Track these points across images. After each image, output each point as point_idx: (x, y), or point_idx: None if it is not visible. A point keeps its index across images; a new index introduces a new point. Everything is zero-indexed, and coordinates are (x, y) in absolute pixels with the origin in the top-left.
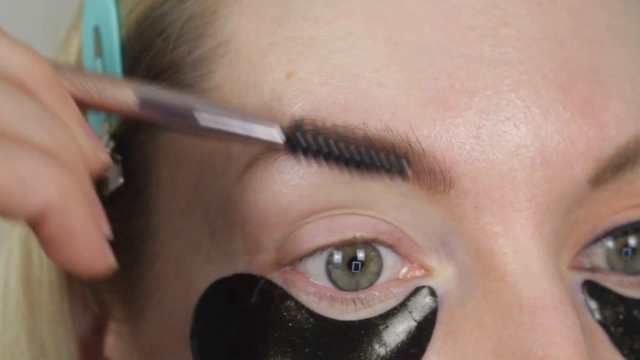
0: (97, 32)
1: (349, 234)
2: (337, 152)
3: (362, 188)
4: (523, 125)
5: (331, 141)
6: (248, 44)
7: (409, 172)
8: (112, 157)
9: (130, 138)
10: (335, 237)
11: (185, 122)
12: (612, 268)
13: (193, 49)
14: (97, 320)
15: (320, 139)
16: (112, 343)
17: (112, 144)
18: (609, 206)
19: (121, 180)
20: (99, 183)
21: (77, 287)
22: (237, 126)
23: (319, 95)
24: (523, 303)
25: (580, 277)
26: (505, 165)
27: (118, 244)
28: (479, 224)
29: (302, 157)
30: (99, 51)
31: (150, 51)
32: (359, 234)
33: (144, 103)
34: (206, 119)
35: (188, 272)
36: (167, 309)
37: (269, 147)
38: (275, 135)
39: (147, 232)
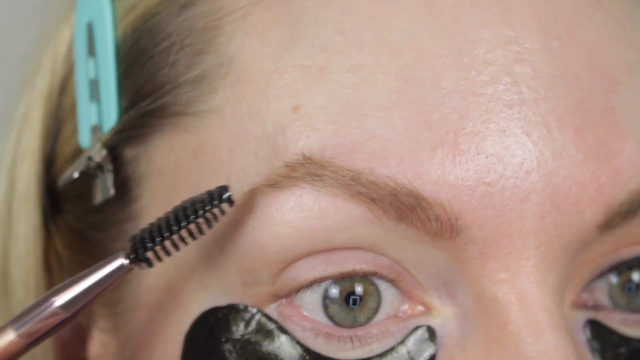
0: (90, 29)
1: (348, 266)
2: (174, 235)
3: (364, 233)
4: (535, 171)
5: (164, 232)
6: (252, 67)
7: (232, 195)
8: (102, 166)
9: (122, 149)
10: (334, 269)
11: (60, 318)
12: (615, 304)
13: (193, 65)
14: (80, 328)
15: (156, 238)
16: (96, 352)
17: (103, 152)
18: (614, 246)
19: (112, 191)
20: (87, 192)
21: None
22: (92, 281)
23: (325, 134)
24: (527, 355)
25: (583, 316)
26: (514, 212)
27: (104, 255)
28: (485, 269)
29: (155, 262)
30: (91, 50)
31: (148, 61)
32: (359, 267)
33: (23, 336)
34: (66, 301)
35: (181, 295)
36: (158, 328)
37: (124, 274)
38: (121, 262)
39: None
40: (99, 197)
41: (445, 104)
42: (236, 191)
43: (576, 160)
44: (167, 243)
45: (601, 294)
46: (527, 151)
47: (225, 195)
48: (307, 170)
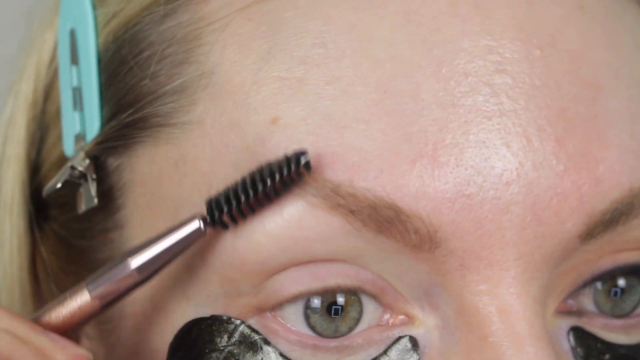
0: (73, 36)
1: (331, 282)
2: (252, 200)
3: (344, 244)
4: (514, 183)
5: (241, 195)
6: (232, 78)
7: (310, 160)
8: (86, 175)
9: (106, 158)
10: (317, 284)
11: (134, 280)
12: (600, 309)
13: (173, 76)
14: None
15: (233, 200)
16: None
17: (87, 161)
18: (597, 254)
19: (95, 201)
20: (72, 200)
21: (47, 297)
22: (168, 244)
23: (304, 145)
24: None
25: (566, 323)
26: (494, 224)
27: (90, 263)
28: (464, 281)
29: (232, 225)
30: (74, 57)
31: (128, 71)
32: (342, 282)
33: (98, 297)
34: (142, 263)
35: (165, 304)
36: (143, 338)
37: (199, 237)
38: (198, 224)
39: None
40: (83, 206)
41: (424, 116)
42: None
43: (557, 171)
44: (244, 206)
45: (586, 299)
46: (506, 162)
47: (303, 161)
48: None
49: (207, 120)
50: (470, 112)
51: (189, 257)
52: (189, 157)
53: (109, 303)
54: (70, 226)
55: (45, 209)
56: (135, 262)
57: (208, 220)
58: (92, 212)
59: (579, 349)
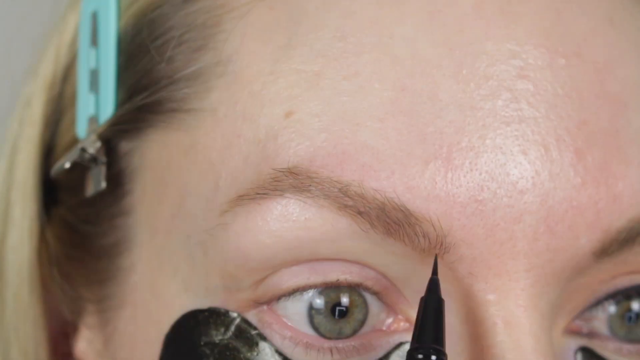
0: (94, 19)
1: (332, 276)
2: None
3: (350, 245)
4: (529, 192)
5: None
6: (248, 67)
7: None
8: (97, 159)
9: (117, 142)
10: (318, 278)
11: None
12: (614, 334)
13: (190, 61)
14: (66, 323)
15: None
16: (82, 348)
17: (98, 144)
18: (611, 273)
19: (104, 184)
20: (80, 183)
21: (48, 284)
22: None
23: (316, 142)
24: None
25: (575, 343)
26: (505, 233)
27: (94, 249)
28: (472, 289)
29: None
30: (94, 40)
31: (146, 54)
32: (343, 277)
33: None
34: None
35: (164, 294)
36: (140, 327)
37: None
38: None
39: (126, 243)
40: (90, 190)
41: (441, 117)
42: (223, 195)
43: (574, 183)
44: None
45: (599, 323)
46: (522, 170)
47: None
48: (293, 182)
49: (221, 108)
50: (489, 116)
51: (191, 248)
52: (200, 146)
53: None
54: (77, 211)
55: (55, 192)
56: None
57: None
58: (99, 196)
59: None
